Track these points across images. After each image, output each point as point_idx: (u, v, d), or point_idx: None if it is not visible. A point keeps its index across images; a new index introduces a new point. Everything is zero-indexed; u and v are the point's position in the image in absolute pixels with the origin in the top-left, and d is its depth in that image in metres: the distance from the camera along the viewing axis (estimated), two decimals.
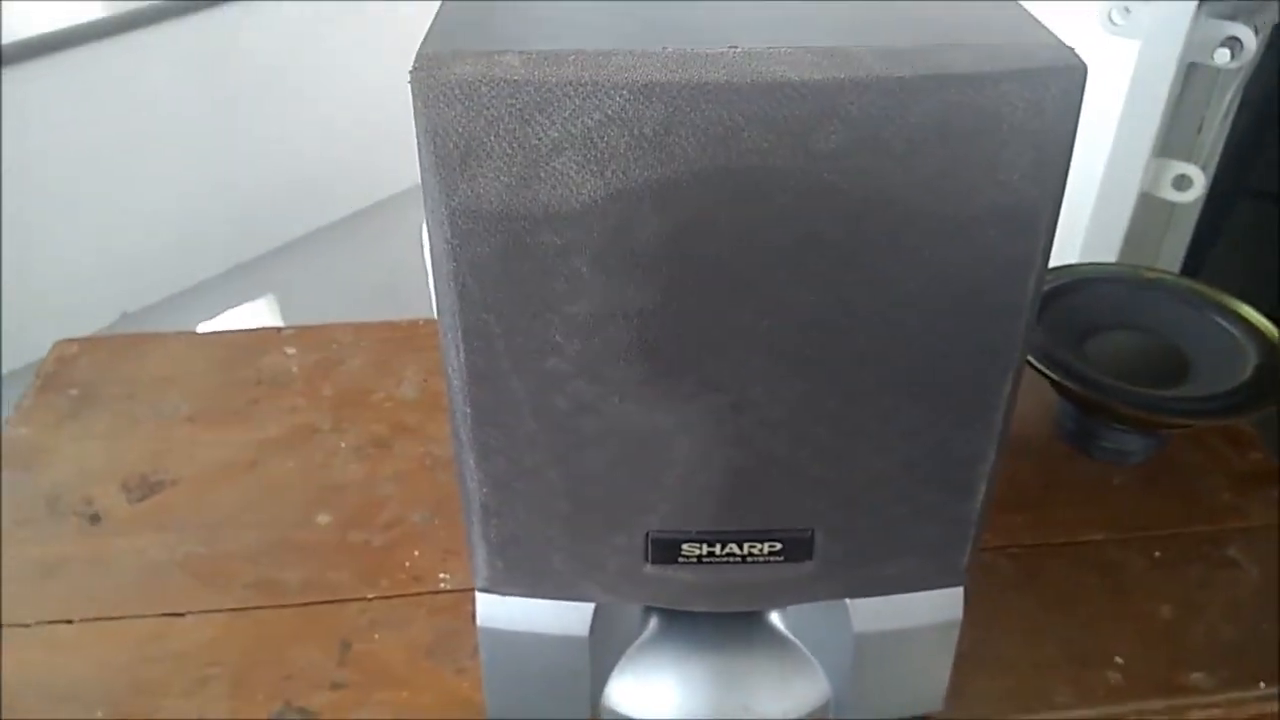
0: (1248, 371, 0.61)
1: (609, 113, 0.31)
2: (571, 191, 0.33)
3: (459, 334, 0.36)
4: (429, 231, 0.35)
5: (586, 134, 0.32)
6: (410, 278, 0.63)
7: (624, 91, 0.31)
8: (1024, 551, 0.60)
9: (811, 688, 0.49)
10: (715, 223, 0.33)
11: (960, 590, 0.45)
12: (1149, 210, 0.87)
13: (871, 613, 0.45)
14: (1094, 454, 0.67)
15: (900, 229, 0.33)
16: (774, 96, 0.31)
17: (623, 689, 0.49)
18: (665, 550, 0.41)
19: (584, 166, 0.32)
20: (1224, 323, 0.65)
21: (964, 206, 0.33)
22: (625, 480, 0.39)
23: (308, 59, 1.19)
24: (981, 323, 0.36)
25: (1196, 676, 0.53)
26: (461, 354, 0.36)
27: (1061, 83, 0.32)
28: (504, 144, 0.32)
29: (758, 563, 0.42)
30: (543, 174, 0.32)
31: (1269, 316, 0.64)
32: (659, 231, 0.33)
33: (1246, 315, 0.65)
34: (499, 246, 0.34)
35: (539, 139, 0.32)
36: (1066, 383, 0.61)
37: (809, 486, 0.39)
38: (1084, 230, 0.81)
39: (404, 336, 0.81)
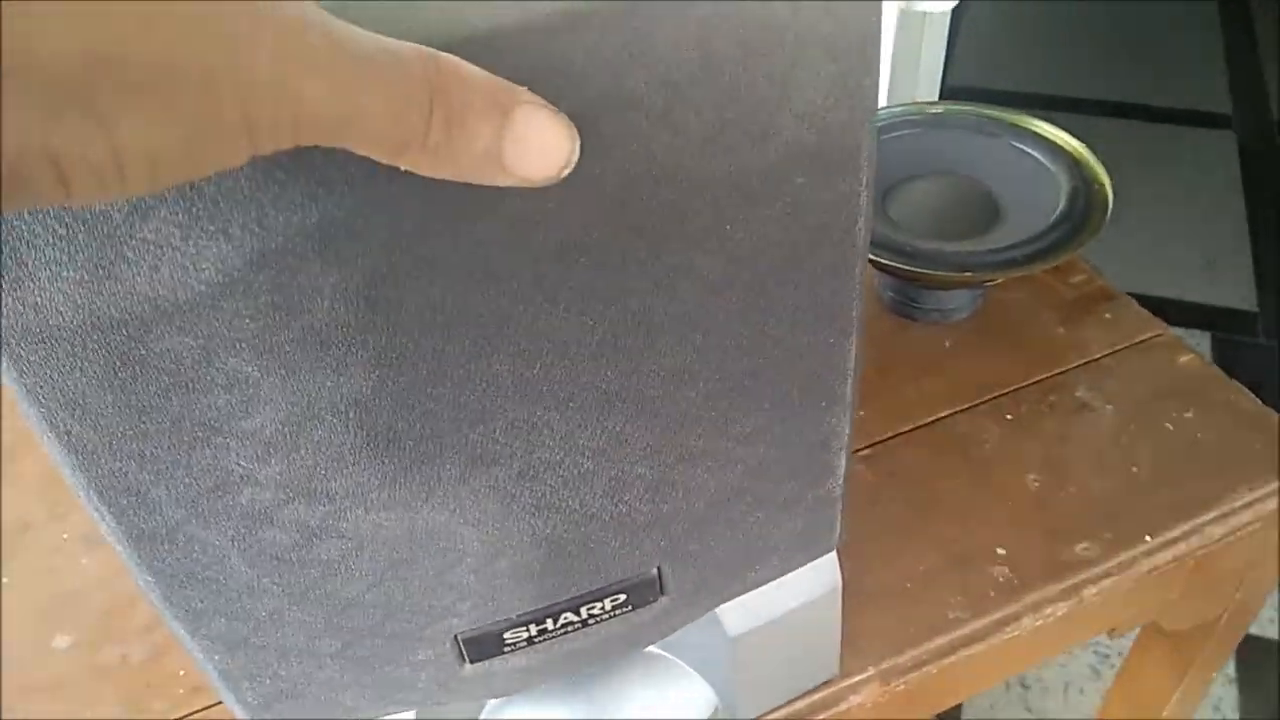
0: (1060, 200, 0.56)
1: None
2: (186, 268, 0.21)
3: (94, 498, 0.24)
4: None
5: None
6: None
7: None
8: (877, 450, 0.55)
9: (695, 702, 0.42)
10: (426, 258, 0.22)
11: (834, 555, 0.39)
12: (906, 29, 0.80)
13: (745, 612, 0.38)
14: (919, 318, 0.62)
15: (684, 208, 0.24)
16: (463, 56, 0.20)
17: None
18: (484, 647, 0.32)
19: (192, 227, 0.20)
20: (1025, 148, 0.60)
21: (758, 158, 0.24)
22: (402, 596, 0.29)
23: None
24: (810, 290, 0.27)
25: (1081, 548, 0.49)
26: (109, 519, 0.25)
27: None
28: (53, 217, 0.20)
29: (602, 621, 0.33)
30: (130, 253, 0.20)
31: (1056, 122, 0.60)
32: (344, 292, 0.22)
33: (1047, 135, 0.60)
34: (100, 372, 0.22)
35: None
36: (879, 258, 0.55)
37: (642, 529, 0.31)
38: None
39: None
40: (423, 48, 0.18)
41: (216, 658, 0.29)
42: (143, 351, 0.22)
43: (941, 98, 0.76)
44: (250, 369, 0.23)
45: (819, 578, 0.39)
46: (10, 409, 0.63)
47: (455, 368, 0.24)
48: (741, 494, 0.31)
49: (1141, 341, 0.60)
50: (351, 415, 0.24)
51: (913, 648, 0.46)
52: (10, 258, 0.20)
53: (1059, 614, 0.48)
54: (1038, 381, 0.58)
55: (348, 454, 0.25)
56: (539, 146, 0.20)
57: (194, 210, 0.20)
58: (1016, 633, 0.47)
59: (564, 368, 0.25)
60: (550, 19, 0.21)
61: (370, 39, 0.17)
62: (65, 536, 0.56)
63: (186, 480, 0.24)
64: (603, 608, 0.33)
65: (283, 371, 0.23)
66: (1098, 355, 0.59)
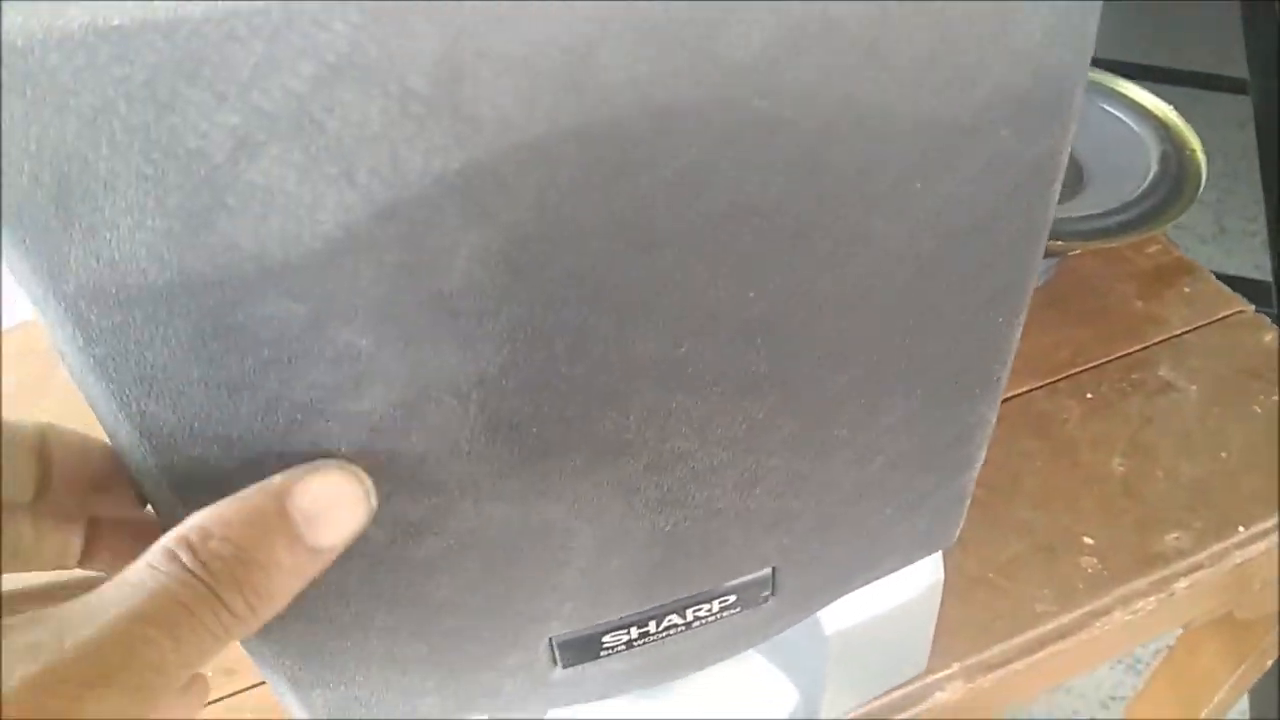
0: (1151, 166, 0.53)
1: (331, 58, 0.16)
2: (301, 220, 0.17)
3: (165, 489, 0.20)
4: (49, 330, 0.19)
5: (301, 105, 0.16)
6: None
7: (350, 15, 0.16)
8: None
9: (775, 699, 0.39)
10: (582, 215, 0.19)
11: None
12: None
13: (843, 608, 0.35)
14: None
15: (875, 161, 0.20)
16: None
17: None
18: (580, 651, 0.29)
19: (310, 169, 0.17)
20: (1111, 109, 0.56)
21: (965, 102, 0.20)
22: (501, 598, 0.25)
23: None
24: (990, 263, 0.23)
25: (1172, 539, 0.46)
26: (185, 512, 0.21)
27: None
28: (139, 154, 0.16)
29: (708, 624, 0.30)
30: (232, 199, 0.17)
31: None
32: (484, 252, 0.18)
33: (1134, 97, 0.56)
34: (187, 343, 0.18)
35: (210, 128, 0.16)
36: None
37: (767, 527, 0.27)
38: None
39: None
40: (168, 542, 0.18)
41: (288, 663, 0.25)
42: (240, 319, 0.18)
43: None
44: (364, 341, 0.19)
45: (922, 572, 0.36)
46: None
47: (596, 345, 0.21)
48: (875, 489, 0.28)
49: (1223, 318, 0.56)
50: (474, 397, 0.20)
51: (1000, 643, 0.43)
52: (84, 201, 0.16)
53: (1149, 608, 0.45)
54: (1118, 358, 0.54)
55: (463, 441, 0.21)
56: (336, 512, 0.20)
57: (313, 149, 0.16)
58: (1106, 627, 0.44)
59: (713, 348, 0.22)
60: None
61: (100, 602, 0.17)
62: None
63: (277, 469, 0.20)
64: (710, 609, 0.29)
65: (401, 345, 0.19)
66: (1179, 331, 0.56)
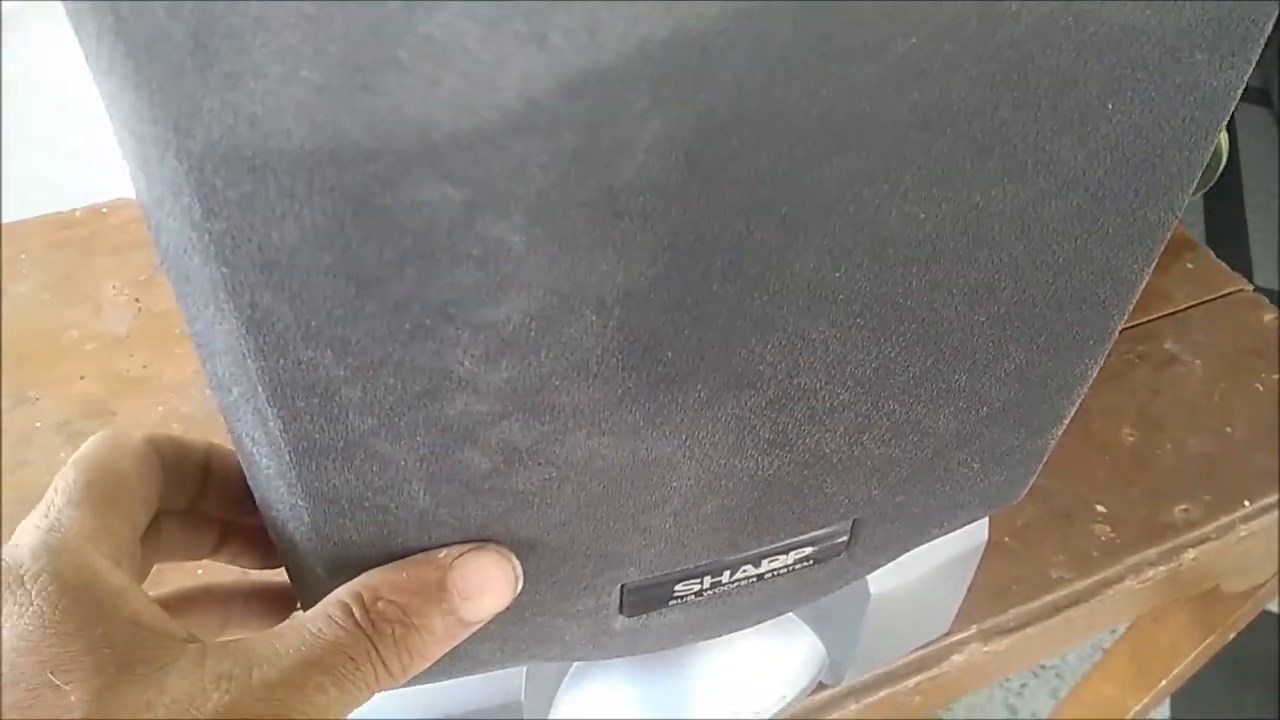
0: None
1: None
2: (479, 85, 0.15)
3: (261, 395, 0.18)
4: (143, 200, 0.16)
5: None
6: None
7: None
8: None
9: (805, 658, 0.38)
10: (780, 105, 0.16)
11: None
12: None
13: (891, 568, 0.34)
14: None
15: (1076, 74, 0.18)
16: None
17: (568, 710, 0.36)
18: (649, 599, 0.27)
19: (498, 24, 0.14)
20: None
21: (1174, 18, 0.18)
22: (586, 538, 0.23)
23: None
24: (1145, 200, 0.22)
25: (1181, 510, 0.46)
26: (273, 423, 0.18)
27: None
28: None
29: (779, 576, 0.28)
30: (404, 53, 0.14)
31: None
32: (665, 143, 0.16)
33: None
34: (324, 224, 0.15)
35: None
36: None
37: (863, 476, 0.26)
38: None
39: (89, 234, 0.57)
40: (344, 596, 0.20)
41: None
42: (388, 201, 0.15)
43: None
44: (517, 239, 0.16)
45: (970, 531, 0.35)
46: None
47: (755, 262, 0.19)
48: (971, 440, 0.27)
49: (1225, 295, 0.57)
50: (616, 313, 0.18)
51: (1017, 607, 0.43)
52: (229, 40, 0.13)
53: (1158, 577, 0.45)
54: (1125, 329, 0.54)
55: (594, 362, 0.19)
56: (488, 591, 0.22)
57: (504, 2, 0.14)
58: (1116, 595, 0.44)
59: (870, 273, 0.20)
60: None
61: (277, 642, 0.19)
62: (39, 424, 0.48)
63: (392, 381, 0.18)
64: (784, 561, 0.28)
65: (555, 247, 0.17)
66: (1183, 306, 0.56)
